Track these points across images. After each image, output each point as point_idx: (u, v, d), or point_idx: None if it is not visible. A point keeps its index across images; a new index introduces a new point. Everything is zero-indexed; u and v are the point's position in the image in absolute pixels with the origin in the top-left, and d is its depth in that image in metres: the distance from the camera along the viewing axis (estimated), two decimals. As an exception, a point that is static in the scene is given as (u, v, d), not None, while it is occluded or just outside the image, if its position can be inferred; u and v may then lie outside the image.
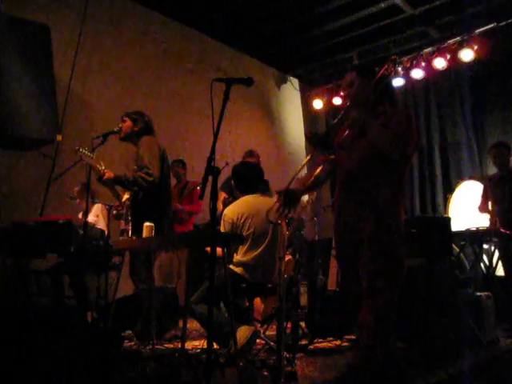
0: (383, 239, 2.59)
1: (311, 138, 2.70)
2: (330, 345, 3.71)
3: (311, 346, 3.56)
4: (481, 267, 4.97)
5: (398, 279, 2.59)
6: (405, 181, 2.88)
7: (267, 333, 3.86)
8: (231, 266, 3.36)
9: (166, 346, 3.56)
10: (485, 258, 5.08)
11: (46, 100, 4.66)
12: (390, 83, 3.05)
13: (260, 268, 3.38)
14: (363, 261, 2.62)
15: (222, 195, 4.85)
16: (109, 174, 3.68)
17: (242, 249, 3.43)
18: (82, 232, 3.83)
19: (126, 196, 3.92)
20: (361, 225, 2.66)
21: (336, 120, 2.72)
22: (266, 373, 2.35)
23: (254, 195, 3.58)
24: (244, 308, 3.70)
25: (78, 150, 3.73)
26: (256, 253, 3.38)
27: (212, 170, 2.24)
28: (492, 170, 6.37)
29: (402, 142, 2.60)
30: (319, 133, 2.70)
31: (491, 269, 4.82)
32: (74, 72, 5.27)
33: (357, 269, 2.68)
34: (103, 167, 3.74)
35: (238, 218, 3.42)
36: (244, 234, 3.35)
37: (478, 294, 3.74)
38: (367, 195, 2.67)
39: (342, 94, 2.53)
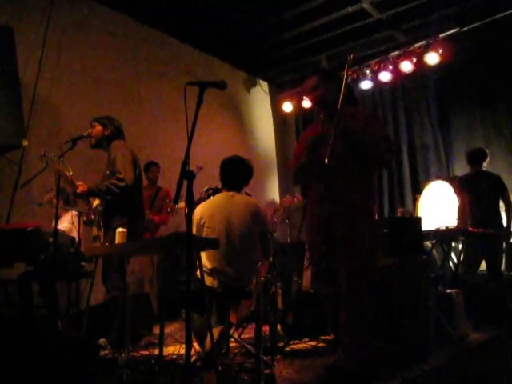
0: (358, 240, 2.61)
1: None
2: (306, 346, 3.72)
3: (288, 348, 3.57)
4: (449, 265, 5.10)
5: (374, 279, 2.62)
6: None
7: (242, 336, 3.85)
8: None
9: (141, 353, 3.50)
10: (453, 255, 5.23)
11: (10, 104, 4.51)
12: (351, 86, 3.16)
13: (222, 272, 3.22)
14: (340, 261, 2.64)
15: None
16: (82, 188, 3.60)
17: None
18: (51, 240, 3.73)
19: (96, 202, 3.85)
20: (334, 224, 2.68)
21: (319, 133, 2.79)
22: (245, 376, 2.33)
23: (226, 193, 3.46)
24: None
25: (44, 155, 3.64)
26: (213, 258, 3.22)
27: (187, 174, 2.22)
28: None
29: (390, 143, 2.74)
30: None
31: (459, 266, 4.96)
32: (39, 75, 5.15)
33: (331, 268, 2.70)
34: (71, 173, 3.66)
35: (198, 219, 3.32)
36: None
37: (448, 291, 3.84)
38: (342, 194, 2.69)
39: (304, 98, 2.61)
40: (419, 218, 4.03)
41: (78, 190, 3.60)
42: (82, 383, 2.20)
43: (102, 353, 3.28)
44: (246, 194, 3.92)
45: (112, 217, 3.58)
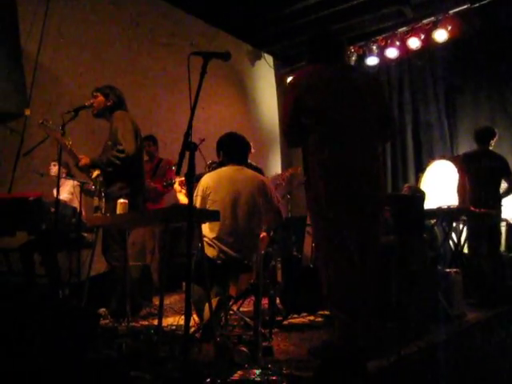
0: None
1: None
2: (304, 320, 3.76)
3: (286, 322, 3.61)
4: (450, 245, 5.11)
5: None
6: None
7: (241, 309, 3.89)
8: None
9: (141, 323, 3.55)
10: (453, 235, 5.23)
11: (13, 73, 4.48)
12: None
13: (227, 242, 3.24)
14: None
15: None
16: (85, 160, 3.68)
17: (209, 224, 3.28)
18: (53, 209, 3.74)
19: (96, 172, 3.84)
20: None
21: None
22: (243, 348, 2.36)
23: (233, 166, 3.42)
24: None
25: (42, 123, 3.64)
26: (217, 228, 3.24)
27: (189, 146, 2.20)
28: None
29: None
30: None
31: (459, 246, 4.96)
32: (42, 44, 5.08)
33: None
34: (70, 143, 3.67)
35: (205, 189, 3.30)
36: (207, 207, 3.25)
37: (448, 270, 3.85)
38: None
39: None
40: (422, 196, 4.02)
41: (81, 163, 3.68)
42: (82, 351, 2.24)
43: (102, 322, 3.33)
44: (257, 168, 3.91)
45: (113, 187, 3.60)
